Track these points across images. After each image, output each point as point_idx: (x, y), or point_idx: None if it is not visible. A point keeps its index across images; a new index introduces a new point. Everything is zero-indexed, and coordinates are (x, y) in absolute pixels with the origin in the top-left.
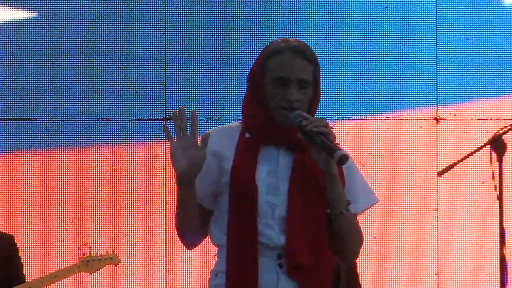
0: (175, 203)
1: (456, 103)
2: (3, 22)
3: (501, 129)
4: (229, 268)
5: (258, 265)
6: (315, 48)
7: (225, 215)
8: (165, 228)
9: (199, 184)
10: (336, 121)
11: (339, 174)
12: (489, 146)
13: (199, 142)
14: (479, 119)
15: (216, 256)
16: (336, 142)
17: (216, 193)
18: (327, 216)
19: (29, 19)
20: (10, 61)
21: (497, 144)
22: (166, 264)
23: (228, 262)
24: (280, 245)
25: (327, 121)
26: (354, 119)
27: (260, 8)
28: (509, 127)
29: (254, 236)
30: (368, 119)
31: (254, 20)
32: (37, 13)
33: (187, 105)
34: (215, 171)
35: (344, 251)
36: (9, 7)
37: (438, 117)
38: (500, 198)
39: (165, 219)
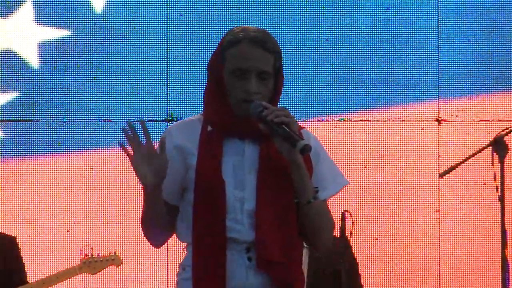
0: (141, 204)
1: (458, 102)
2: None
3: (503, 130)
4: (195, 263)
5: (227, 259)
6: (316, 48)
7: (191, 212)
8: None
9: (165, 181)
10: (337, 122)
11: (306, 161)
12: (490, 147)
13: (156, 148)
14: (481, 120)
15: (185, 250)
16: (300, 128)
17: (183, 189)
18: (296, 205)
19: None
20: (13, 63)
21: (498, 145)
22: (167, 265)
23: (193, 257)
24: (249, 240)
25: (289, 110)
26: (355, 120)
27: (258, 17)
28: (511, 128)
29: (223, 232)
30: (370, 121)
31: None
32: (37, 16)
33: (188, 107)
34: (180, 167)
35: (316, 239)
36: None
37: (439, 118)
38: (501, 199)
39: None
